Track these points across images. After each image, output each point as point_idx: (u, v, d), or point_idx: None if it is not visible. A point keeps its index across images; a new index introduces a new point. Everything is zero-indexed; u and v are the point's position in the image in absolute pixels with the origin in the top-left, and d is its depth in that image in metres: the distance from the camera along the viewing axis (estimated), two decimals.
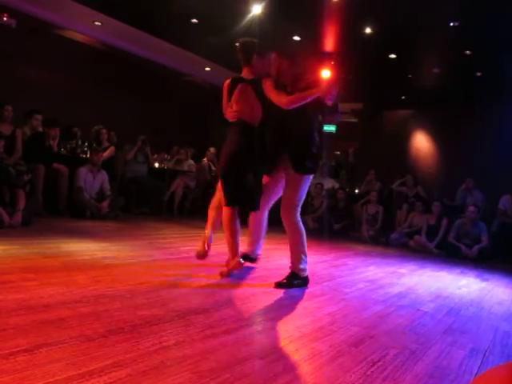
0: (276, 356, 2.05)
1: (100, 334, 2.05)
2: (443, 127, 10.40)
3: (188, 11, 7.00)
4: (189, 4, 6.58)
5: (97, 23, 8.20)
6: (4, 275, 2.87)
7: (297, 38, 7.47)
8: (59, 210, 6.37)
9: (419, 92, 10.11)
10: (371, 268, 4.96)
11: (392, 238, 7.81)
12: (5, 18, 7.36)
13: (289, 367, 1.95)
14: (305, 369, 1.95)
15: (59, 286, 2.76)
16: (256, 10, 6.19)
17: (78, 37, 8.76)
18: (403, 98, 10.82)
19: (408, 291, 3.89)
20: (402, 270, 5.06)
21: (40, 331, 2.00)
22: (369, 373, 1.96)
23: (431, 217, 7.55)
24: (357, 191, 9.69)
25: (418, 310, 3.24)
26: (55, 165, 6.40)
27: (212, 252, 3.93)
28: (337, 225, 8.38)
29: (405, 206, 8.33)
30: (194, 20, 7.22)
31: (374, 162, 10.32)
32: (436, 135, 10.84)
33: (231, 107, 3.54)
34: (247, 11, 6.27)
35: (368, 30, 7.12)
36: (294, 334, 2.36)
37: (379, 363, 2.08)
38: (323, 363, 2.01)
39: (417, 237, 7.46)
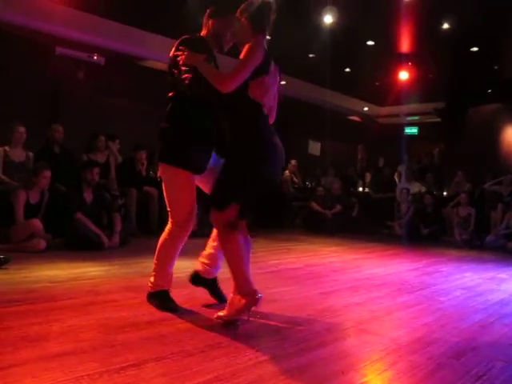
0: (373, 369, 2.02)
1: (200, 349, 2.14)
2: None
3: None
4: None
5: None
6: (109, 294, 3.08)
7: (371, 42, 7.36)
8: (151, 229, 6.71)
9: (507, 83, 9.50)
10: (467, 274, 4.71)
11: (488, 240, 7.36)
12: (95, 57, 7.99)
13: (387, 381, 1.92)
14: (404, 383, 1.90)
15: None
16: (327, 19, 6.19)
17: (159, 66, 9.25)
18: (489, 91, 10.23)
19: (511, 298, 3.65)
20: (502, 275, 4.75)
21: (145, 347, 2.13)
22: None
23: None
24: (445, 194, 9.25)
25: None
26: (145, 188, 6.77)
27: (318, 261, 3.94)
28: (425, 230, 8.05)
29: (500, 206, 7.81)
30: None
31: (461, 162, 9.82)
32: None
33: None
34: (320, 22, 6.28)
35: (445, 26, 6.86)
36: (390, 347, 2.31)
37: (484, 377, 1.97)
38: (423, 377, 1.95)
39: None
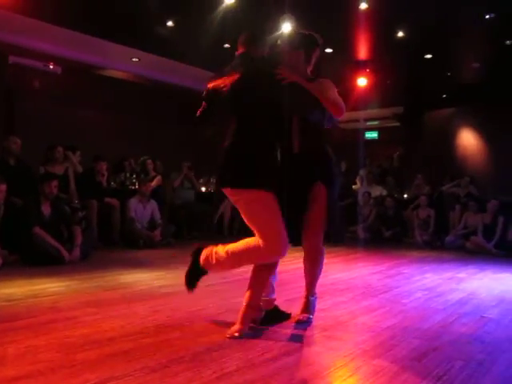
0: (337, 376, 2.03)
1: (163, 364, 2.11)
2: (491, 121, 10.02)
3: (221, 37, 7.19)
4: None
5: (134, 59, 8.53)
6: (69, 311, 3.00)
7: (329, 49, 7.48)
8: (114, 241, 6.59)
9: (460, 89, 9.84)
10: (428, 275, 4.82)
11: (447, 240, 7.58)
12: (51, 66, 7.79)
13: None
14: None
15: (120, 318, 2.85)
16: (285, 27, 6.25)
17: (118, 74, 9.13)
18: (444, 96, 10.57)
19: (469, 297, 3.76)
20: (461, 275, 4.90)
21: (106, 365, 2.08)
22: None
23: (486, 216, 7.28)
24: (406, 196, 9.48)
25: (482, 316, 3.12)
26: (107, 199, 6.65)
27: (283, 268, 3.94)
28: (388, 232, 8.23)
29: (457, 207, 8.07)
30: (227, 45, 7.40)
31: (420, 165, 10.10)
32: (483, 131, 10.45)
33: None
34: (275, 30, 6.32)
35: (400, 34, 7.04)
36: (354, 352, 2.33)
37: (445, 377, 2.02)
38: (386, 381, 1.97)
39: (473, 237, 7.20)
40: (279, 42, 3.04)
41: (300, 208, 2.80)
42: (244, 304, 2.58)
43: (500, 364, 2.21)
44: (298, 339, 2.54)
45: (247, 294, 2.60)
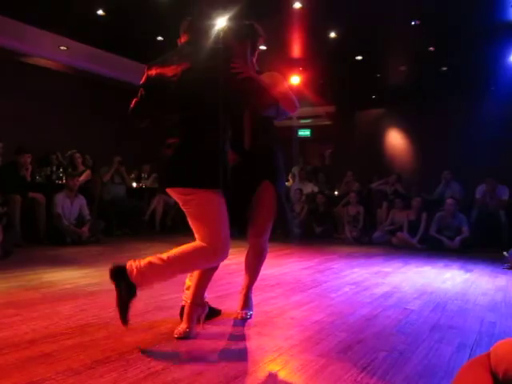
0: (266, 371, 2.05)
1: (87, 365, 2.03)
2: (416, 122, 10.55)
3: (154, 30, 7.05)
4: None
5: (62, 48, 8.15)
6: None
7: (263, 47, 7.51)
8: (39, 238, 6.28)
9: (389, 90, 10.28)
10: (356, 270, 4.99)
11: (375, 236, 7.88)
12: None
13: (279, 381, 1.95)
14: (295, 381, 1.95)
15: (42, 319, 2.72)
16: (221, 23, 6.21)
17: (44, 63, 8.67)
18: (374, 97, 10.98)
19: (394, 290, 3.93)
20: (387, 269, 5.11)
21: (25, 369, 1.97)
22: (359, 379, 1.97)
23: (411, 212, 7.65)
24: (336, 193, 9.76)
25: (405, 308, 3.28)
26: (31, 194, 6.31)
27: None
28: (319, 228, 8.43)
29: (385, 204, 8.41)
30: (160, 38, 7.27)
31: (350, 162, 10.43)
32: (410, 131, 11.00)
33: None
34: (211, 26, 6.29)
35: (333, 35, 7.22)
36: (283, 347, 2.36)
37: (369, 368, 2.09)
38: (313, 374, 2.02)
39: (399, 233, 7.54)
40: (222, 33, 2.82)
41: (246, 204, 2.76)
42: (189, 302, 2.49)
43: (419, 353, 2.33)
44: (227, 336, 2.53)
45: (191, 291, 2.50)
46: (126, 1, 6.21)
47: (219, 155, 2.41)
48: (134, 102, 2.57)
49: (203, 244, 2.37)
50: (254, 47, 2.78)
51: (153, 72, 2.49)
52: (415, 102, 10.34)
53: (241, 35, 2.76)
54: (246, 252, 3.00)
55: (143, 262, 2.33)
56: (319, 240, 8.02)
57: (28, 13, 6.68)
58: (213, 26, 3.08)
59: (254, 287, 3.04)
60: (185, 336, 2.42)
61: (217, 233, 2.38)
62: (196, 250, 2.38)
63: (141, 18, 6.70)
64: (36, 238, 6.28)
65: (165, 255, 2.35)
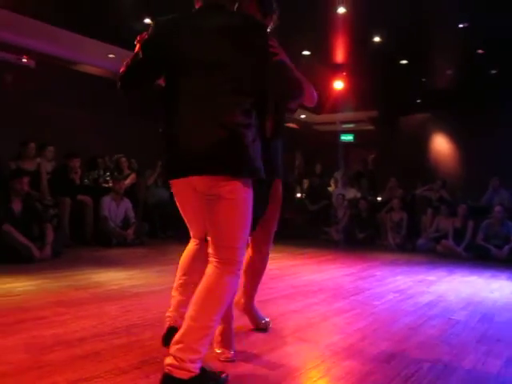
0: (308, 377, 2.05)
1: (134, 365, 2.09)
2: (463, 127, 10.27)
3: None
4: None
5: (111, 56, 8.43)
6: (39, 311, 2.94)
7: (306, 52, 7.54)
8: (86, 240, 6.50)
9: (434, 94, 10.05)
10: (399, 277, 4.90)
11: (419, 243, 7.72)
12: (24, 60, 7.63)
13: None
14: None
15: (91, 318, 2.82)
16: None
17: (94, 70, 8.99)
18: (418, 101, 10.77)
19: (439, 299, 3.84)
20: (431, 277, 4.99)
21: (76, 366, 2.05)
22: None
23: (457, 220, 7.44)
24: (379, 199, 9.61)
25: (450, 318, 3.20)
26: (79, 196, 6.55)
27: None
28: (361, 234, 8.33)
29: (429, 211, 8.22)
30: None
31: (394, 168, 10.25)
32: (456, 136, 10.72)
33: None
34: None
35: (377, 39, 7.15)
36: (325, 353, 2.36)
37: (412, 378, 2.06)
38: (356, 382, 2.01)
39: (444, 241, 7.35)
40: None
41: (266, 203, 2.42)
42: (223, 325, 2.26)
43: (465, 365, 2.27)
44: (270, 341, 2.55)
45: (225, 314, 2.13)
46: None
47: (254, 137, 1.94)
48: (124, 67, 2.11)
49: (223, 269, 1.89)
50: (273, 25, 2.41)
51: (159, 33, 2.02)
52: (462, 106, 10.06)
53: (268, 7, 2.35)
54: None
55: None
56: (361, 246, 7.92)
57: (79, 22, 6.95)
58: None
59: (294, 293, 3.01)
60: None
61: (245, 237, 1.96)
62: (226, 288, 1.89)
63: None
64: (83, 239, 6.51)
65: (188, 316, 1.86)
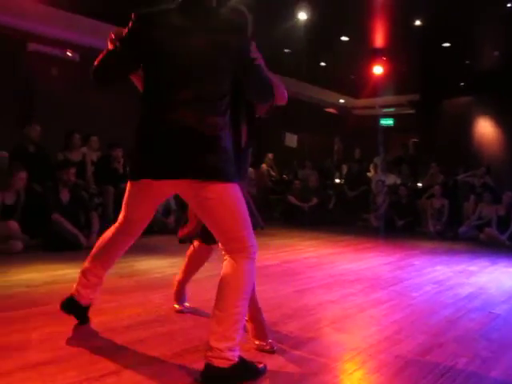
0: (344, 370, 2.11)
1: (177, 353, 2.21)
2: (508, 111, 9.89)
3: None
4: None
5: None
6: None
7: (345, 38, 7.43)
8: None
9: (479, 77, 9.70)
10: (439, 267, 4.85)
11: (461, 231, 7.57)
12: (69, 53, 7.85)
13: (357, 381, 2.01)
14: (373, 381, 2.00)
15: (136, 306, 2.96)
16: (302, 16, 6.24)
17: None
18: (462, 84, 10.44)
19: (479, 291, 3.80)
20: (473, 268, 4.92)
21: (123, 353, 2.19)
22: None
23: (501, 207, 7.24)
24: (420, 185, 9.44)
25: (490, 312, 3.17)
26: (122, 185, 6.75)
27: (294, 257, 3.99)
28: (400, 221, 8.23)
29: (472, 198, 8.02)
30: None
31: (435, 153, 10.02)
32: (501, 120, 10.33)
33: None
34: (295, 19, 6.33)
35: (418, 23, 6.97)
36: (360, 346, 2.40)
37: (448, 374, 2.08)
38: (390, 376, 2.05)
39: (487, 229, 7.17)
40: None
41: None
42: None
43: (504, 362, 2.27)
44: (307, 332, 2.61)
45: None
46: None
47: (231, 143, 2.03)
48: (98, 60, 2.19)
49: (236, 257, 1.95)
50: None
51: (140, 27, 2.07)
52: (508, 88, 9.68)
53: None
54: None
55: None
56: (400, 233, 7.83)
57: (122, 16, 7.08)
58: None
59: (331, 282, 3.02)
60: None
61: (250, 229, 2.01)
62: (242, 274, 1.94)
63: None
64: None
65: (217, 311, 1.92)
